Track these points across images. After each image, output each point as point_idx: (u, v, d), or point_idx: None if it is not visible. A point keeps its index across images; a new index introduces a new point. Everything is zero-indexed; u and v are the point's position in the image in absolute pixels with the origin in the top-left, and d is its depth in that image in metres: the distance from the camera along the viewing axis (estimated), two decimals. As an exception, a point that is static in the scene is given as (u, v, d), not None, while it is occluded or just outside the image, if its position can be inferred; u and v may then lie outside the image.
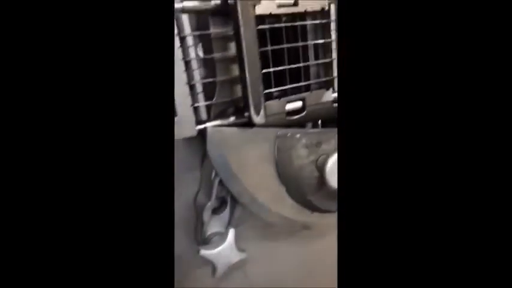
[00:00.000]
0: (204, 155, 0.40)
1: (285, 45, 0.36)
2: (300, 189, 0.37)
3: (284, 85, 0.38)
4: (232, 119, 0.35)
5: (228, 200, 0.41)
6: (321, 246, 0.51)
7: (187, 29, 0.30)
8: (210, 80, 0.34)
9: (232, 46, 0.35)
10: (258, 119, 0.33)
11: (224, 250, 0.37)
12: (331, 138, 0.37)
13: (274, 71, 0.35)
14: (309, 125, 0.43)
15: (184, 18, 0.30)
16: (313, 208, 0.40)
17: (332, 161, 0.35)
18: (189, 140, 0.33)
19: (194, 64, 0.31)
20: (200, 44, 0.37)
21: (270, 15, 0.34)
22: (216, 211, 0.41)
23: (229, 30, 0.34)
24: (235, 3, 0.30)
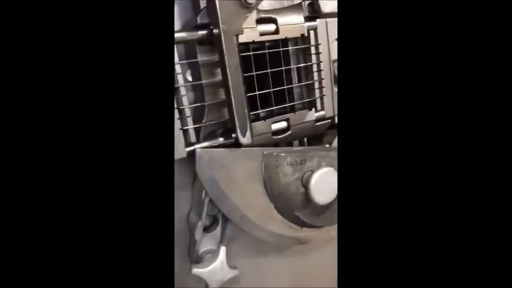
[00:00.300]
0: (195, 175, 0.41)
1: (269, 70, 0.38)
2: (288, 205, 0.39)
3: (270, 106, 0.40)
4: (221, 139, 0.37)
5: (219, 218, 0.42)
6: (313, 260, 0.52)
7: (175, 58, 0.33)
8: (198, 104, 0.36)
9: (219, 71, 0.37)
10: (244, 140, 0.35)
11: (216, 268, 0.38)
12: (314, 156, 0.39)
13: (260, 94, 0.38)
14: (296, 143, 0.45)
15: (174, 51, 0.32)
16: (302, 224, 0.41)
17: (316, 177, 0.36)
18: (179, 160, 0.34)
19: (183, 90, 0.33)
20: (189, 70, 0.39)
21: (254, 42, 0.36)
22: (207, 229, 0.42)
23: (215, 58, 0.36)
24: (220, 33, 0.32)
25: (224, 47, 0.32)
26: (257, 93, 0.37)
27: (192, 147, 0.35)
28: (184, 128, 0.34)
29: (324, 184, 0.36)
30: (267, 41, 0.38)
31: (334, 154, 0.40)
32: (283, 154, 0.38)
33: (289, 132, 0.40)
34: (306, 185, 0.37)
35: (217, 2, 0.31)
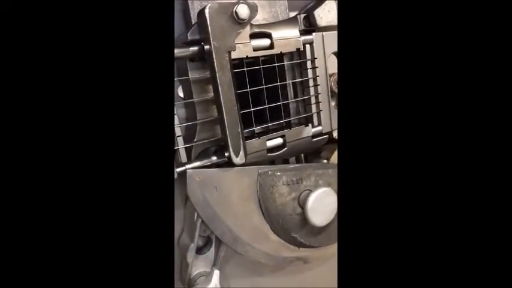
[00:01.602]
0: (187, 195, 0.40)
1: (264, 86, 0.37)
2: (284, 226, 0.37)
3: (265, 123, 0.38)
4: (214, 158, 0.35)
5: (213, 239, 0.40)
6: (311, 278, 0.50)
7: (164, 76, 0.31)
8: (190, 123, 0.35)
9: (211, 88, 0.36)
10: (237, 160, 0.34)
11: (209, 292, 0.37)
12: (311, 174, 0.37)
13: (255, 110, 0.36)
14: (292, 158, 0.43)
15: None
16: (299, 244, 0.39)
17: (313, 199, 0.35)
18: (170, 181, 0.33)
19: (174, 109, 0.32)
20: (180, 87, 0.38)
21: (248, 57, 0.35)
22: (200, 251, 0.40)
23: (207, 74, 0.35)
24: (211, 50, 0.31)
25: (216, 64, 0.31)
26: (251, 109, 0.36)
27: (183, 168, 0.33)
28: (175, 148, 0.33)
29: (321, 205, 0.35)
30: (262, 56, 0.37)
31: (332, 172, 0.39)
32: (278, 173, 0.36)
33: (285, 149, 0.38)
34: (302, 205, 0.36)
35: (208, 17, 0.30)
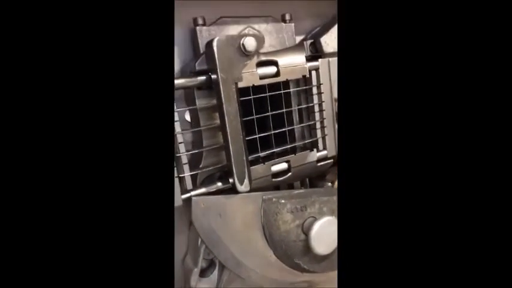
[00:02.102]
0: (191, 220, 0.40)
1: (270, 113, 0.37)
2: (288, 252, 0.37)
3: (270, 148, 0.39)
4: (219, 184, 0.36)
5: (216, 262, 0.40)
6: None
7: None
8: (195, 151, 0.35)
9: (217, 115, 0.36)
10: (242, 187, 0.34)
11: (212, 317, 0.37)
12: (316, 202, 0.37)
13: (260, 136, 0.37)
14: (297, 182, 0.43)
15: (170, 96, 0.32)
16: (302, 270, 0.39)
17: (317, 228, 0.35)
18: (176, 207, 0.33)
19: (179, 137, 0.32)
20: (187, 112, 0.38)
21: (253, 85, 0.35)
22: (203, 273, 0.41)
23: (213, 102, 0.35)
24: (218, 81, 0.31)
25: (223, 94, 0.32)
26: (257, 136, 0.36)
27: (188, 194, 0.34)
28: (180, 175, 0.33)
29: (325, 234, 0.35)
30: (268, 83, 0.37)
31: (336, 198, 0.39)
32: (283, 201, 0.36)
33: (290, 174, 0.39)
34: (306, 232, 0.36)
35: (215, 50, 0.31)
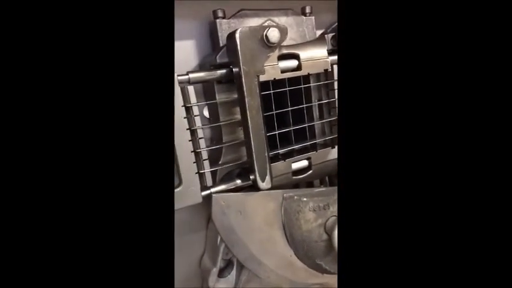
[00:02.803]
0: (209, 217, 0.39)
1: (290, 108, 0.36)
2: (309, 253, 0.36)
3: (290, 144, 0.38)
4: (238, 181, 0.35)
5: (234, 262, 0.39)
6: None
7: (193, 98, 0.31)
8: (216, 147, 0.34)
9: (238, 110, 0.35)
10: (263, 184, 0.33)
11: (231, 319, 0.36)
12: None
13: (280, 132, 0.35)
14: (317, 181, 0.42)
15: (190, 89, 0.31)
16: (323, 271, 0.38)
17: (341, 227, 0.33)
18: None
19: (200, 133, 0.31)
20: (206, 107, 0.37)
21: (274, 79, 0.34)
22: (221, 273, 0.39)
23: (234, 96, 0.34)
24: (240, 74, 0.30)
25: (245, 88, 0.30)
26: (277, 132, 0.35)
27: (208, 191, 0.33)
28: (200, 171, 0.32)
29: (350, 233, 0.34)
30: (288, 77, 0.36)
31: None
32: (305, 199, 0.35)
33: (311, 171, 0.37)
34: (329, 232, 0.34)
35: (238, 41, 0.30)
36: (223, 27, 0.34)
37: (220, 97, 0.34)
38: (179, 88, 0.30)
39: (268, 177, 0.33)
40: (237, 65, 0.30)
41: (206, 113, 0.38)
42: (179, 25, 0.35)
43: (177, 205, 0.31)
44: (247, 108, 0.31)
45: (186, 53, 0.36)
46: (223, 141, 0.35)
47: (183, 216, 0.38)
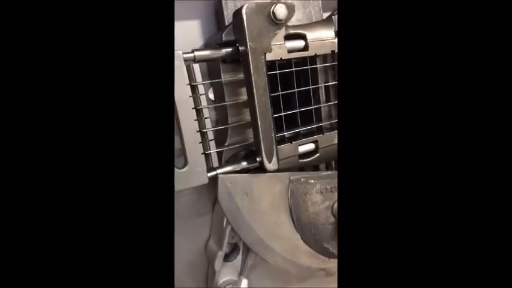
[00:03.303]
0: (215, 200, 0.39)
1: (296, 90, 0.35)
2: (316, 236, 0.36)
3: (296, 127, 0.37)
4: (244, 163, 0.34)
5: (240, 246, 0.39)
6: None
7: (198, 77, 0.30)
8: (221, 127, 0.34)
9: (244, 91, 0.35)
10: (270, 165, 0.32)
11: (237, 302, 0.35)
12: (346, 182, 0.35)
13: (286, 114, 0.35)
14: (322, 165, 0.41)
15: (196, 67, 0.30)
16: (330, 255, 0.37)
17: (349, 208, 0.33)
18: (200, 186, 0.32)
19: (206, 112, 0.31)
20: (211, 89, 0.37)
21: (281, 59, 0.34)
22: (227, 258, 0.39)
23: (240, 76, 0.34)
24: (247, 51, 0.30)
25: (251, 66, 0.30)
26: (283, 114, 0.35)
27: (214, 172, 0.32)
28: (206, 152, 0.32)
29: (358, 215, 0.33)
30: (295, 58, 0.35)
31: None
32: (312, 181, 0.35)
33: (317, 155, 0.37)
34: (336, 215, 0.34)
35: (244, 17, 0.29)
36: (229, 6, 0.34)
37: (225, 77, 0.33)
38: (184, 66, 0.29)
39: (275, 158, 0.33)
40: (244, 42, 0.30)
41: (211, 95, 0.37)
42: (183, 5, 0.35)
43: (183, 186, 0.31)
44: (254, 87, 0.30)
45: (190, 33, 0.35)
46: (229, 122, 0.35)
47: (188, 198, 0.38)
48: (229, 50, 0.31)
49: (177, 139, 0.32)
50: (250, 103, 0.32)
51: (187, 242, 0.39)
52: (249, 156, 0.35)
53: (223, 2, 0.34)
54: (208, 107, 0.31)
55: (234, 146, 0.34)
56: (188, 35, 0.35)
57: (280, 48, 0.33)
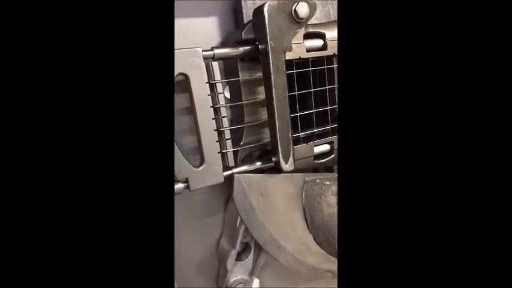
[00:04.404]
0: (227, 199, 0.39)
1: (312, 90, 0.35)
2: (330, 238, 0.35)
3: (311, 127, 0.37)
4: (259, 163, 0.34)
5: (251, 246, 0.39)
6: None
7: (217, 76, 0.30)
8: (239, 126, 0.33)
9: (260, 90, 0.34)
10: (286, 166, 0.32)
11: (248, 302, 0.35)
12: (362, 185, 0.35)
13: (301, 114, 0.35)
14: (335, 166, 0.41)
15: (215, 65, 0.30)
16: (342, 257, 0.37)
17: (365, 211, 0.33)
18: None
19: (223, 111, 0.31)
20: (227, 87, 0.36)
21: (299, 58, 0.33)
22: (239, 257, 0.39)
23: (257, 75, 0.33)
24: (267, 50, 0.29)
25: (271, 65, 0.29)
26: (298, 114, 0.34)
27: (229, 172, 0.32)
28: (223, 151, 0.31)
29: (374, 218, 0.33)
30: (312, 57, 0.35)
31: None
32: (327, 182, 0.34)
33: (333, 155, 0.36)
34: (351, 217, 0.34)
35: (266, 16, 0.28)
36: (248, 4, 0.33)
37: (243, 75, 0.33)
38: (203, 64, 0.29)
39: (291, 159, 0.32)
40: (264, 40, 0.29)
41: (227, 93, 0.37)
42: (201, 2, 0.34)
43: (199, 184, 0.30)
44: (273, 86, 0.30)
45: (208, 30, 0.35)
46: (245, 121, 0.34)
47: (201, 197, 0.37)
48: (249, 48, 0.31)
49: (193, 138, 0.32)
50: (268, 102, 0.31)
51: (199, 240, 0.39)
52: (264, 156, 0.35)
53: (243, 0, 0.33)
54: (225, 106, 0.31)
55: (249, 146, 0.34)
56: (205, 32, 0.35)
57: (299, 47, 0.32)
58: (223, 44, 0.35)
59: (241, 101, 0.34)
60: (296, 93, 0.34)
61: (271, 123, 0.32)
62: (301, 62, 0.35)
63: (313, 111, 0.36)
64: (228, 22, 0.36)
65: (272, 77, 0.30)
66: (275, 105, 0.31)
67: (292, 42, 0.31)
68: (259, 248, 0.38)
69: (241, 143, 0.34)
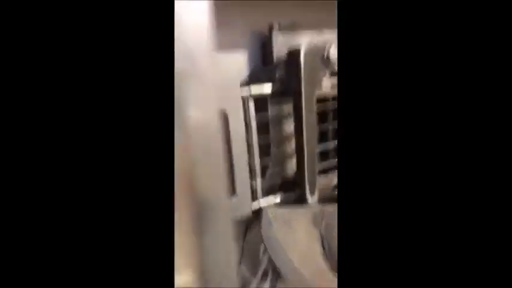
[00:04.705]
0: (246, 227, 0.39)
1: (331, 127, 0.36)
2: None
3: (330, 159, 0.38)
4: (283, 194, 0.35)
5: (269, 272, 0.39)
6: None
7: (252, 114, 0.31)
8: (270, 158, 0.34)
9: (287, 122, 0.36)
10: (312, 199, 0.33)
11: (267, 330, 0.36)
12: (379, 216, 0.37)
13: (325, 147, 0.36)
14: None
15: (251, 104, 0.31)
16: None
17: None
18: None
19: (256, 148, 0.32)
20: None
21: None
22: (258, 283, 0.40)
23: (287, 110, 0.35)
24: (300, 89, 0.31)
25: (304, 103, 0.31)
26: (320, 145, 0.36)
27: (257, 205, 0.33)
28: (253, 183, 0.32)
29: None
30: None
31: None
32: (348, 214, 0.36)
33: (349, 186, 0.38)
34: (370, 247, 0.35)
35: (302, 59, 0.30)
36: (279, 41, 0.35)
37: (272, 109, 0.34)
38: (241, 101, 0.30)
39: (316, 191, 0.34)
40: (298, 81, 0.31)
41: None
42: (231, 35, 0.35)
43: (229, 216, 0.31)
44: (304, 122, 0.31)
45: (236, 64, 0.36)
46: (272, 153, 0.35)
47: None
48: (282, 86, 0.32)
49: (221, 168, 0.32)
50: (297, 136, 0.33)
51: (217, 264, 0.39)
52: (287, 188, 0.36)
53: (274, 36, 0.34)
54: (258, 143, 0.32)
55: (273, 179, 0.35)
56: (234, 65, 0.36)
57: (327, 85, 0.34)
58: (250, 78, 0.36)
59: (268, 133, 0.35)
60: (330, 128, 0.35)
61: (299, 156, 0.33)
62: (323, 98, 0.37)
63: (335, 143, 0.37)
64: (256, 56, 0.37)
65: (304, 113, 0.31)
66: (305, 140, 0.32)
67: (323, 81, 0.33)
68: (276, 276, 0.38)
69: (267, 174, 0.35)
